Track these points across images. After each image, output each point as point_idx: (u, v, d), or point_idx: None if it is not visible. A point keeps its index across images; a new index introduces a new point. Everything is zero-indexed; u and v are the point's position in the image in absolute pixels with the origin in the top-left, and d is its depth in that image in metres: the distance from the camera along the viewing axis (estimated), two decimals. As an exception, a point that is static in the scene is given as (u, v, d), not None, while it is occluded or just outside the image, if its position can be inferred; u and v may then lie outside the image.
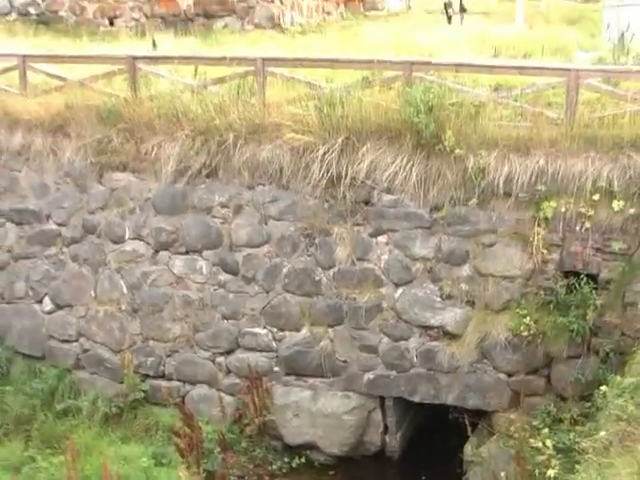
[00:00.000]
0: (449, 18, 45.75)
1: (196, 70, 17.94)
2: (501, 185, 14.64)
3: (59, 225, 18.28)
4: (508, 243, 14.92)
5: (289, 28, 35.67)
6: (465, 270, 15.27)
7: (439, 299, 15.47)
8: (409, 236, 15.46)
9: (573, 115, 14.75)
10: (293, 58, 17.73)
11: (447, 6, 46.98)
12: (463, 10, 46.56)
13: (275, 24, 34.98)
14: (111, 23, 36.56)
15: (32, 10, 37.58)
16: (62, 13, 37.23)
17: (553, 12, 43.86)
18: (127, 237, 17.62)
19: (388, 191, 15.46)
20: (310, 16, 40.15)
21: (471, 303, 15.28)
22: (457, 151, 14.81)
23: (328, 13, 43.97)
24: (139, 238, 17.50)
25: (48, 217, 18.36)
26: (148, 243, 17.43)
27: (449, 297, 15.39)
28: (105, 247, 17.84)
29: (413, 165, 15.18)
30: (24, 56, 19.14)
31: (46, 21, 36.78)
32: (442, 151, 14.92)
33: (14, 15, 37.60)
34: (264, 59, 16.84)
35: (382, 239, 15.70)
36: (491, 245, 15.03)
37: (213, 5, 35.55)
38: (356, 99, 15.96)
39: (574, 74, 14.81)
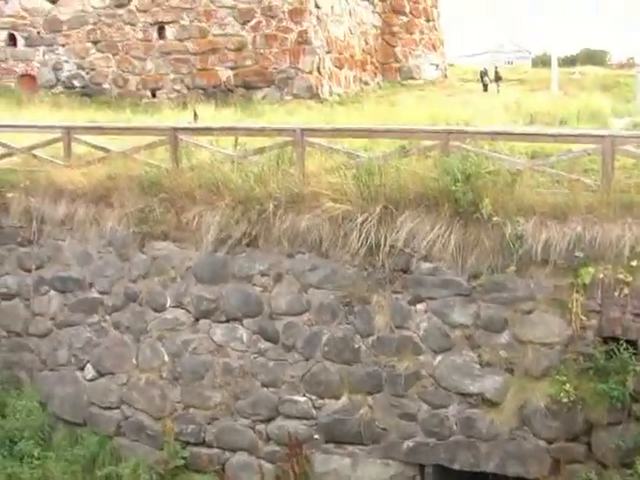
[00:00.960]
0: (485, 86, 46.12)
1: (236, 141, 18.29)
2: (539, 252, 14.63)
3: (101, 293, 18.49)
4: (546, 310, 14.87)
5: (327, 98, 36.11)
6: (504, 337, 15.22)
7: (478, 366, 15.40)
8: (448, 304, 15.48)
9: (609, 181, 14.83)
10: (331, 128, 18.03)
11: (483, 74, 47.40)
12: (499, 78, 46.97)
13: (313, 94, 35.42)
14: (153, 95, 37.34)
15: (77, 83, 38.53)
16: (106, 85, 38.13)
17: (588, 79, 44.10)
18: (168, 305, 17.78)
19: (426, 259, 15.52)
20: (348, 86, 40.66)
21: (510, 370, 15.18)
22: (495, 219, 14.86)
23: (365, 83, 44.47)
24: (180, 306, 17.65)
25: (91, 285, 18.59)
26: (189, 311, 17.56)
27: (488, 364, 15.32)
28: (146, 315, 18.00)
29: (451, 233, 15.24)
30: (69, 128, 19.66)
31: (90, 93, 37.65)
32: (480, 219, 14.99)
33: (59, 88, 38.61)
34: (303, 129, 17.14)
35: (421, 307, 15.72)
36: (529, 312, 14.99)
37: (253, 76, 36.16)
38: (394, 168, 16.18)
39: (609, 140, 14.92)
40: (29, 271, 19.19)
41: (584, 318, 14.51)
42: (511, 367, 15.16)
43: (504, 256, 14.96)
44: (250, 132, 18.73)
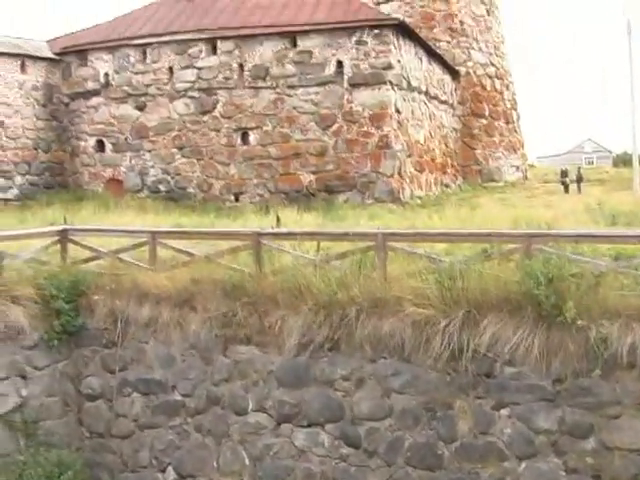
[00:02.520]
0: (566, 187, 46.15)
1: (318, 245, 18.45)
2: (624, 355, 14.35)
3: (184, 396, 18.58)
4: (634, 415, 14.53)
5: (409, 202, 36.34)
6: (590, 443, 14.86)
7: (564, 473, 15.02)
8: (532, 409, 15.22)
9: (697, 282, 14.63)
10: (413, 233, 18.12)
11: (563, 175, 47.41)
12: (580, 179, 46.92)
13: (395, 198, 35.70)
14: (236, 199, 38.06)
15: (162, 187, 39.55)
16: (190, 190, 39.02)
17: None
18: (250, 409, 17.75)
19: (510, 363, 15.34)
20: (429, 189, 40.95)
21: (597, 477, 14.77)
22: (578, 322, 14.67)
23: (446, 186, 44.75)
24: (262, 410, 17.62)
25: (173, 388, 18.71)
26: (271, 415, 17.53)
27: (574, 471, 14.94)
28: (228, 418, 18.00)
29: (535, 337, 15.06)
30: (154, 232, 20.10)
31: (175, 197, 38.55)
32: (563, 322, 14.80)
33: (145, 192, 39.69)
34: (384, 234, 17.28)
35: (505, 412, 15.47)
36: (616, 417, 14.66)
37: (334, 180, 36.63)
38: (476, 272, 16.13)
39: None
40: (113, 373, 19.42)
41: (673, 423, 14.17)
42: (598, 474, 14.79)
43: (589, 360, 14.71)
44: (332, 237, 18.95)
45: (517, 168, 54.14)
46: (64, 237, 20.98)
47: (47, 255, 20.98)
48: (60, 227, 22.08)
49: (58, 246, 20.95)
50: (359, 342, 16.46)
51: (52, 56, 42.53)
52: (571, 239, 16.59)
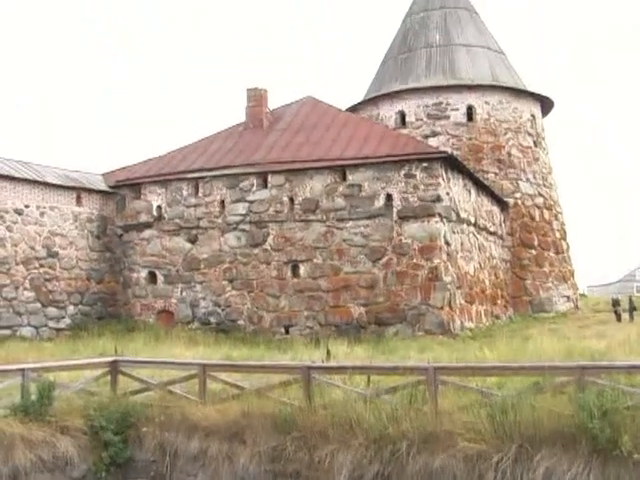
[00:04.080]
0: (618, 316, 45.64)
1: (369, 379, 18.42)
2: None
3: (234, 530, 18.34)
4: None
5: (459, 333, 36.11)
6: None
7: None
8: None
9: None
10: (464, 366, 18.07)
11: (615, 304, 47.01)
12: (633, 308, 46.44)
13: (445, 330, 35.50)
14: (286, 331, 38.06)
15: (212, 319, 39.76)
16: (241, 322, 39.12)
17: None
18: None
19: (565, 499, 15.06)
20: (479, 321, 40.73)
21: None
22: (635, 456, 14.42)
23: (497, 317, 44.48)
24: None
25: (222, 524, 18.50)
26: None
27: None
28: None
29: (590, 471, 14.81)
30: (204, 365, 20.20)
31: (225, 329, 38.66)
32: (619, 456, 14.55)
33: (196, 324, 39.96)
34: (435, 368, 17.25)
35: None
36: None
37: (384, 313, 36.58)
38: (528, 405, 15.97)
39: None
40: (161, 504, 19.28)
41: None
42: None
43: (647, 492, 14.42)
44: (383, 371, 18.95)
45: (568, 298, 53.82)
46: (114, 368, 21.18)
47: (97, 386, 21.17)
48: (111, 358, 22.28)
49: (108, 377, 21.09)
50: (410, 477, 16.23)
51: (107, 189, 43.53)
52: (624, 370, 16.44)
